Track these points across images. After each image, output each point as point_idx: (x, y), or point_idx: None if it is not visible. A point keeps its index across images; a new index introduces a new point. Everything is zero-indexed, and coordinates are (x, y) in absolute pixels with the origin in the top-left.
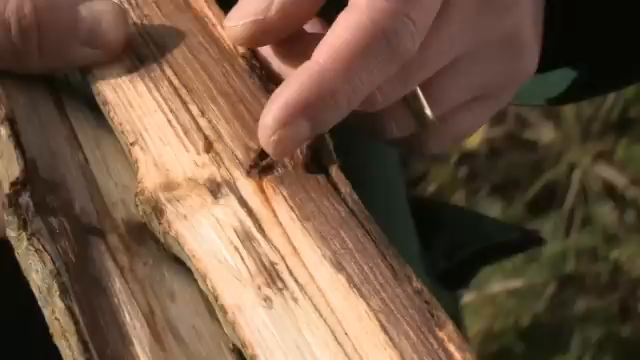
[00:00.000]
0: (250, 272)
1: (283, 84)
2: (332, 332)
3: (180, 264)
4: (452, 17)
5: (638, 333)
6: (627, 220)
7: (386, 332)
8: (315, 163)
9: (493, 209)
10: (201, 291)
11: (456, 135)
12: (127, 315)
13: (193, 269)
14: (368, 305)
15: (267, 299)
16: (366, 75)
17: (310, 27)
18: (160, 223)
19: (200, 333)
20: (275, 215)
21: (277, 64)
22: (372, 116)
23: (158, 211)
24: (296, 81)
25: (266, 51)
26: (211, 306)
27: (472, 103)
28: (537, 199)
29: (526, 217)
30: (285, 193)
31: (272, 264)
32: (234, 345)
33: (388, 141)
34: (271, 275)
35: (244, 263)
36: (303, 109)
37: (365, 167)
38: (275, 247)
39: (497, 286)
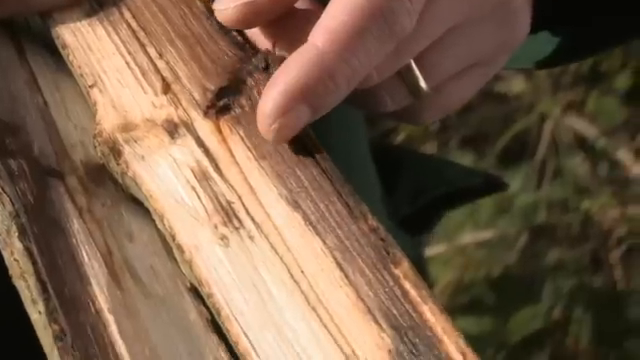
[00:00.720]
0: (207, 211)
1: (280, 69)
2: (288, 270)
3: (138, 204)
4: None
5: (609, 283)
6: (598, 172)
7: (342, 269)
8: None
9: (464, 161)
10: (159, 231)
11: (450, 104)
12: (85, 255)
13: (151, 209)
14: (324, 243)
15: (224, 238)
16: (364, 56)
17: (300, 3)
18: (118, 164)
19: (157, 272)
20: (232, 155)
21: (264, 42)
22: (366, 91)
23: (116, 152)
24: (294, 66)
25: (255, 30)
26: (169, 246)
27: (465, 72)
28: (508, 151)
29: (497, 169)
30: (242, 133)
31: (229, 203)
32: (191, 284)
33: (382, 114)
34: (228, 214)
35: (201, 202)
36: (303, 95)
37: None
38: (232, 186)
39: (468, 237)
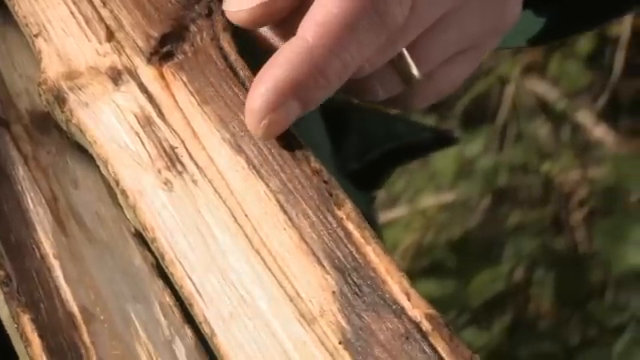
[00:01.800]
0: (150, 156)
1: (269, 63)
2: (232, 213)
3: (83, 152)
4: None
5: (571, 245)
6: (560, 135)
7: (285, 212)
8: (215, 50)
9: None
10: (103, 178)
11: (441, 90)
12: (30, 202)
13: (95, 155)
14: (267, 186)
15: (167, 182)
16: (356, 49)
17: None
18: (63, 111)
19: (102, 218)
20: (175, 100)
21: (275, 40)
22: (356, 80)
23: (60, 100)
24: (283, 60)
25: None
26: (113, 192)
27: (457, 57)
28: (469, 114)
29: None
30: (185, 79)
31: (172, 148)
32: (136, 229)
33: (373, 101)
34: (171, 159)
35: (144, 148)
36: (293, 90)
37: None
38: (175, 131)
39: (428, 200)
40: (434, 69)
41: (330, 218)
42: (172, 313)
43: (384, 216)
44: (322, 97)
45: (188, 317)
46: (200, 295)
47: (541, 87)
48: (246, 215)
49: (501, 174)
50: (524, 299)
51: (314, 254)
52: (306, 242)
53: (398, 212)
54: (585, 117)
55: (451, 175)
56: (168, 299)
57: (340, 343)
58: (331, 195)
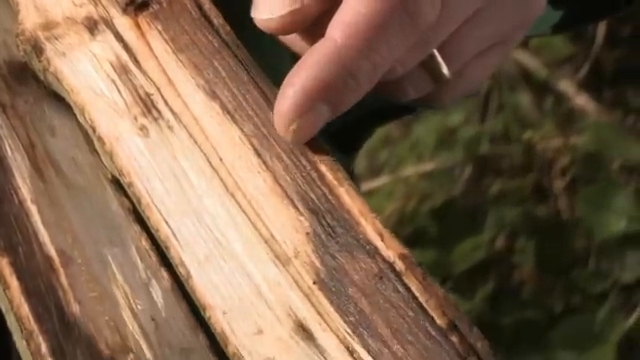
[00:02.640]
0: (126, 103)
1: (297, 66)
2: (207, 158)
3: (60, 101)
4: None
5: (552, 213)
6: (542, 104)
7: (259, 156)
8: None
9: None
10: (80, 126)
11: (470, 86)
12: (8, 149)
13: (72, 103)
14: (241, 131)
15: (143, 128)
16: (386, 50)
17: None
18: (40, 61)
19: (79, 165)
20: (150, 49)
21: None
22: (388, 81)
23: (38, 50)
24: (312, 63)
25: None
26: (90, 140)
27: (485, 53)
28: None
29: None
30: (160, 27)
31: (148, 95)
32: (112, 175)
33: (402, 100)
34: (147, 105)
35: (120, 95)
36: (322, 93)
37: (246, 16)
38: (150, 79)
39: (410, 169)
40: (464, 66)
41: (304, 161)
42: (148, 256)
43: (366, 185)
44: (352, 100)
45: (164, 260)
46: (176, 238)
47: (523, 57)
48: (221, 159)
49: (483, 143)
50: (507, 267)
51: (288, 196)
52: (280, 185)
53: (380, 181)
54: (567, 87)
55: (433, 145)
56: (144, 243)
57: (314, 283)
58: None
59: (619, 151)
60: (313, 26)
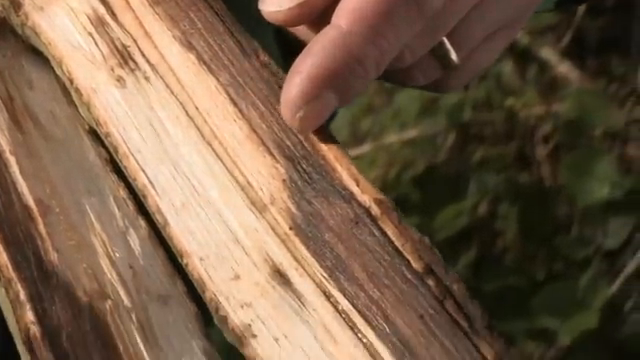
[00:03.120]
0: (103, 55)
1: (303, 53)
2: (183, 107)
3: (38, 55)
4: None
5: (534, 180)
6: (525, 73)
7: (235, 104)
8: None
9: None
10: (58, 79)
11: (478, 70)
12: None
13: (50, 57)
14: (217, 80)
15: (120, 79)
16: (393, 36)
17: None
18: (18, 15)
19: (57, 117)
20: (127, 1)
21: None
22: (397, 69)
23: (16, 4)
24: (318, 49)
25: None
26: (67, 93)
27: (493, 37)
28: None
29: None
30: None
31: (124, 47)
32: (90, 127)
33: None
34: (123, 57)
35: (97, 47)
36: (329, 80)
37: None
38: (127, 31)
39: (393, 137)
40: (472, 52)
41: (279, 109)
42: (126, 205)
43: (349, 153)
44: (360, 87)
45: (142, 209)
46: (153, 186)
47: None
48: (197, 108)
49: (465, 111)
50: (489, 234)
51: (264, 144)
52: (256, 132)
53: (362, 149)
54: (549, 55)
55: (415, 112)
56: (122, 192)
57: (291, 229)
58: (280, 87)
59: (601, 118)
60: (321, 15)
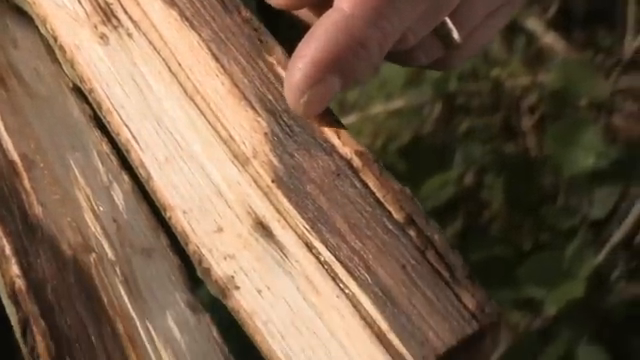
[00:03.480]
0: (87, 12)
1: (306, 37)
2: (166, 63)
3: (22, 14)
4: None
5: (520, 150)
6: (510, 43)
7: (217, 60)
8: None
9: None
10: (42, 38)
11: (478, 47)
12: None
13: (34, 15)
14: (199, 36)
15: (103, 36)
16: (397, 19)
17: None
18: None
19: (41, 75)
20: None
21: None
22: (399, 50)
23: None
24: (321, 33)
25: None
26: (52, 51)
27: (494, 13)
28: None
29: None
30: None
31: (107, 4)
32: (73, 84)
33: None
34: (106, 14)
35: (81, 5)
36: (333, 64)
37: None
38: None
39: (379, 107)
40: (474, 30)
41: (261, 64)
42: (109, 160)
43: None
44: (364, 70)
45: (125, 164)
46: (136, 141)
47: None
48: (179, 64)
49: (451, 81)
50: (475, 204)
51: (246, 98)
52: (238, 87)
53: (348, 119)
54: (535, 25)
55: (402, 83)
56: (105, 147)
57: (273, 182)
58: (261, 42)
59: (587, 88)
60: None
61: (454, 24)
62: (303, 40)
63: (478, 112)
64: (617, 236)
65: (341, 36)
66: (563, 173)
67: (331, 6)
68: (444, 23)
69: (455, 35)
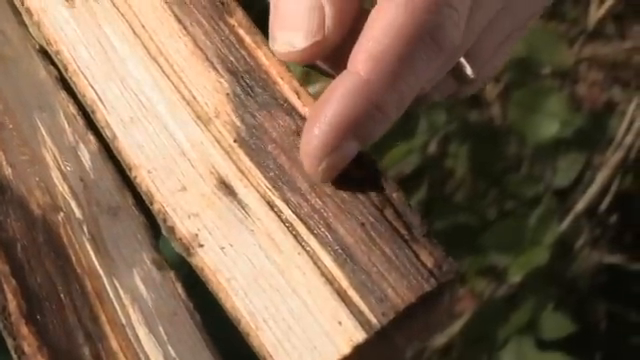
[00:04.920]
0: None
1: (321, 102)
2: (130, 25)
3: None
4: None
5: (484, 118)
6: None
7: (180, 21)
8: None
9: None
10: (9, 1)
11: (489, 75)
12: None
13: None
14: None
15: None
16: (414, 78)
17: None
18: None
19: (8, 37)
20: None
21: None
22: None
23: None
24: (337, 98)
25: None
26: (18, 12)
27: (505, 42)
28: None
29: None
30: None
31: None
32: (40, 46)
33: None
34: None
35: None
36: (350, 130)
37: None
38: None
39: None
40: (486, 62)
41: (222, 25)
42: (76, 121)
43: None
44: (382, 131)
45: (91, 124)
46: (102, 102)
47: None
48: (143, 26)
49: None
50: (440, 173)
51: (208, 59)
52: (200, 48)
53: (315, 88)
54: None
55: None
56: (72, 108)
57: (235, 141)
58: (223, 4)
59: (551, 57)
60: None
61: (467, 61)
62: (318, 103)
63: None
64: (581, 204)
65: (359, 101)
66: (527, 141)
67: (343, 53)
68: (457, 62)
69: (469, 72)
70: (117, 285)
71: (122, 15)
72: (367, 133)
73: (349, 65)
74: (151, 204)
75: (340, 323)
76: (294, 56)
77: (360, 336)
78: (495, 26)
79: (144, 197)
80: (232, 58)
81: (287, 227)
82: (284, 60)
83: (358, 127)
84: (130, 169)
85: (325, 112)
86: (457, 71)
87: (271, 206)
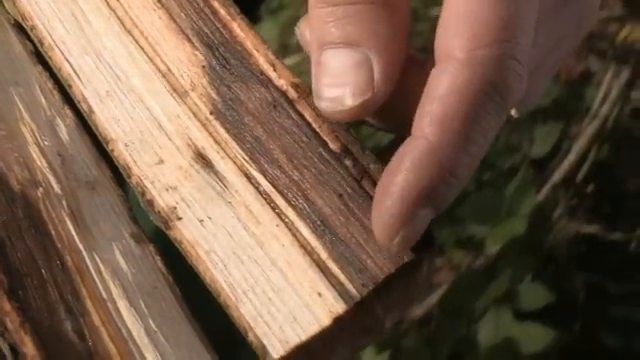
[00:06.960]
0: None
1: (390, 170)
2: None
3: None
4: (538, 30)
5: None
6: None
7: None
8: None
9: None
10: None
11: (539, 96)
12: None
13: None
14: None
15: None
16: (482, 137)
17: None
18: None
19: None
20: None
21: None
22: None
23: None
24: (407, 166)
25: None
26: None
27: (552, 68)
28: None
29: None
30: None
31: None
32: (15, 20)
33: None
34: None
35: None
36: (424, 199)
37: None
38: None
39: None
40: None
41: None
42: (52, 95)
43: None
44: (454, 194)
45: (67, 99)
46: (78, 76)
47: None
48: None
49: None
50: None
51: (183, 32)
52: (175, 21)
53: (292, 60)
54: None
55: None
56: (48, 82)
57: (211, 114)
58: None
59: None
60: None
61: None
62: (386, 173)
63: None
64: (558, 174)
65: (430, 168)
66: None
67: (392, 112)
68: None
69: (513, 113)
70: (97, 259)
71: None
72: (442, 199)
73: (414, 130)
74: (129, 177)
75: (320, 294)
76: (343, 115)
77: (340, 307)
78: (545, 66)
79: (121, 170)
80: (207, 30)
81: (265, 199)
82: (331, 118)
83: (431, 194)
84: (107, 143)
85: (396, 183)
86: None
87: (248, 178)
